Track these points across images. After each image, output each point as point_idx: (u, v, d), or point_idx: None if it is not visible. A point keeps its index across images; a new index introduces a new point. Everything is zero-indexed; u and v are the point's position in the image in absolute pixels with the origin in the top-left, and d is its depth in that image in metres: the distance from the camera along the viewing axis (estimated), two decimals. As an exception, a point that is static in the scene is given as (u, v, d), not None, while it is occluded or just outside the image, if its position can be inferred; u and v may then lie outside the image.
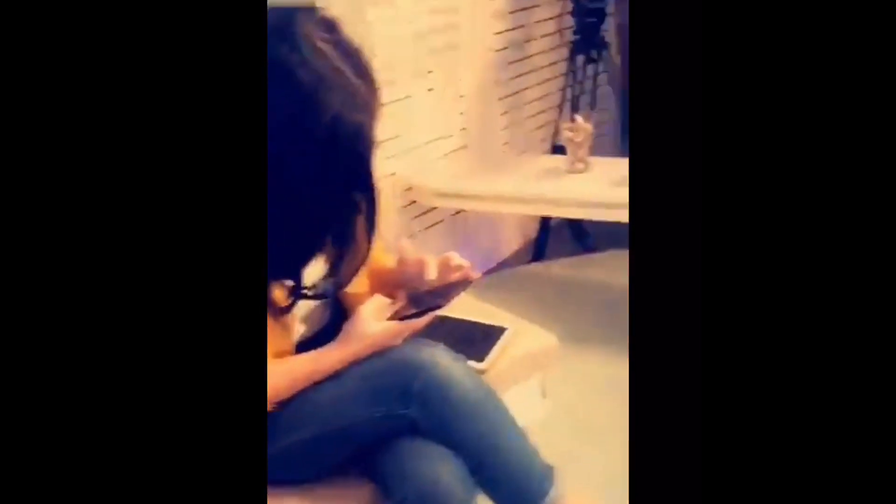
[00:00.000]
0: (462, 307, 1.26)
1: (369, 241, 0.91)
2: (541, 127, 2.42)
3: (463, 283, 0.94)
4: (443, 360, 0.89)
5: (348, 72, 0.77)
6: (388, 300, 0.95)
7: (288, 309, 0.91)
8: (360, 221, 0.89)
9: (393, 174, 1.96)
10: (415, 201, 2.01)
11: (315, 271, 0.91)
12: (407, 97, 1.96)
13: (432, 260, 0.98)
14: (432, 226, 2.13)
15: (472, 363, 1.08)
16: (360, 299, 0.98)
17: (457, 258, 0.98)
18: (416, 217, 2.07)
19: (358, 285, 1.02)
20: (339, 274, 0.91)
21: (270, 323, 0.90)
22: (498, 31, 2.21)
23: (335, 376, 0.91)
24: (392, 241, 1.53)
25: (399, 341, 0.92)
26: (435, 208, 2.08)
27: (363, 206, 0.87)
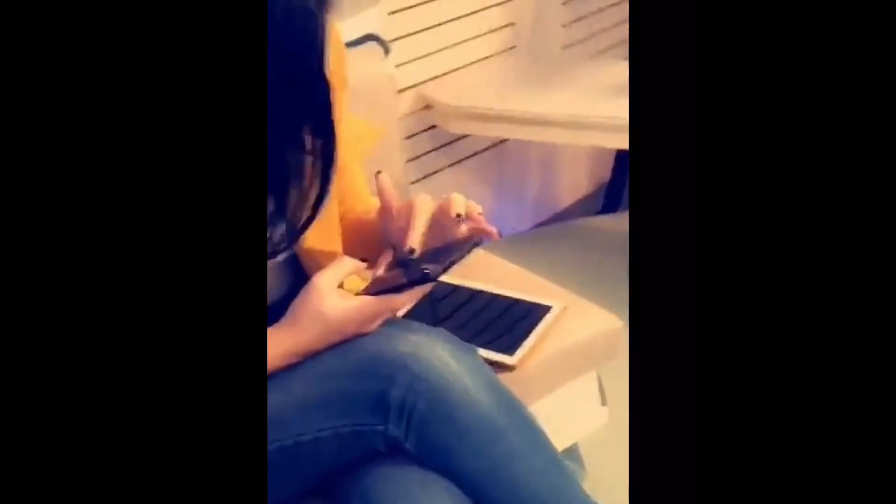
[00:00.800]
0: (490, 275, 1.27)
1: (326, 171, 0.88)
2: (616, 24, 2.36)
3: (469, 242, 0.91)
4: (435, 353, 0.86)
5: None
6: (360, 265, 0.92)
7: None
8: (310, 143, 0.85)
9: (406, 88, 1.91)
10: (436, 126, 1.98)
11: None
12: None
13: (425, 206, 0.93)
14: (462, 160, 2.09)
15: (494, 356, 1.09)
16: (327, 260, 0.95)
17: (460, 202, 0.92)
18: (439, 148, 2.03)
19: (326, 240, 0.98)
20: (284, 221, 0.88)
21: None
22: None
23: (283, 374, 0.88)
24: (402, 183, 1.51)
25: (372, 326, 0.89)
26: (466, 136, 2.05)
27: (311, 120, 0.84)
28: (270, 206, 0.87)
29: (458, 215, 0.90)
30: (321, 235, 0.96)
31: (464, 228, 0.92)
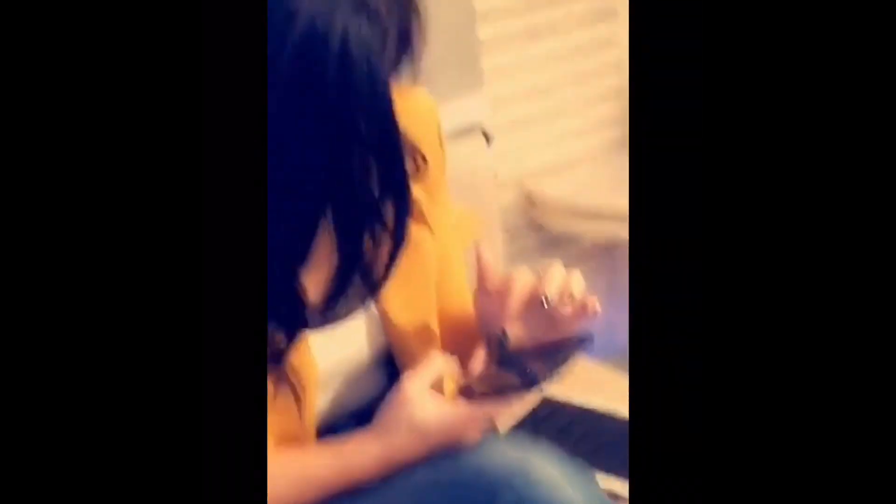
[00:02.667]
0: (602, 390, 1.24)
1: (399, 226, 0.86)
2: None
3: (576, 340, 0.87)
4: (546, 471, 0.80)
5: None
6: (453, 365, 0.90)
7: (282, 355, 0.87)
8: (378, 183, 0.83)
9: (507, 181, 1.87)
10: (540, 223, 1.95)
11: (319, 278, 0.87)
12: (536, 65, 1.90)
13: (525, 282, 0.88)
14: (568, 263, 1.98)
15: (606, 479, 1.05)
16: (419, 344, 0.94)
17: (557, 278, 0.87)
18: (543, 248, 1.98)
19: (420, 327, 0.96)
20: (358, 272, 0.86)
21: (269, 385, 0.87)
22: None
23: (375, 487, 0.86)
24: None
25: (471, 437, 0.85)
26: (572, 235, 2.00)
27: (377, 167, 0.81)
28: (340, 257, 0.84)
29: (546, 298, 0.86)
30: (412, 315, 0.94)
31: (566, 310, 0.87)
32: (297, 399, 0.89)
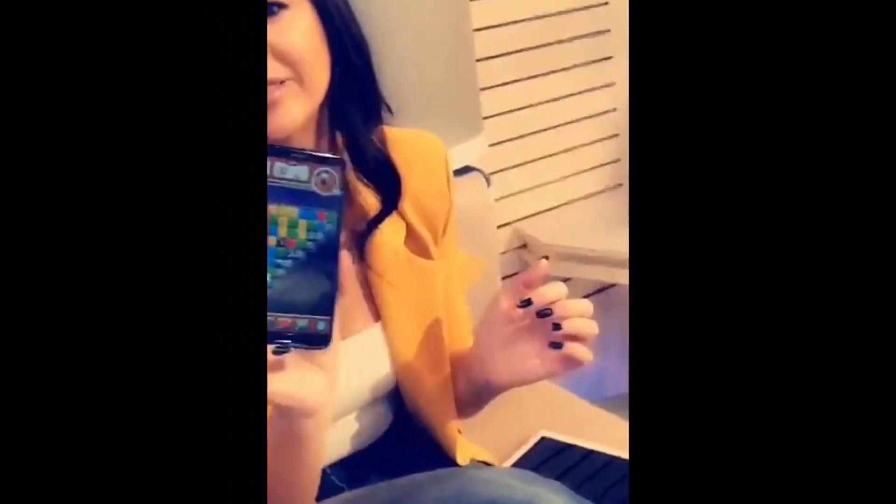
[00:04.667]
0: (597, 430, 1.25)
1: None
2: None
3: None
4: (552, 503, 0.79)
5: None
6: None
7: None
8: None
9: (503, 224, 1.92)
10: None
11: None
12: (530, 106, 1.92)
13: (557, 287, 0.90)
14: None
15: None
16: (427, 375, 0.98)
17: (554, 290, 0.89)
18: None
19: (419, 343, 0.99)
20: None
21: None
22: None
23: None
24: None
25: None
26: (568, 279, 1.98)
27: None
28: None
29: (524, 301, 0.88)
30: (420, 345, 0.98)
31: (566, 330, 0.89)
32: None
